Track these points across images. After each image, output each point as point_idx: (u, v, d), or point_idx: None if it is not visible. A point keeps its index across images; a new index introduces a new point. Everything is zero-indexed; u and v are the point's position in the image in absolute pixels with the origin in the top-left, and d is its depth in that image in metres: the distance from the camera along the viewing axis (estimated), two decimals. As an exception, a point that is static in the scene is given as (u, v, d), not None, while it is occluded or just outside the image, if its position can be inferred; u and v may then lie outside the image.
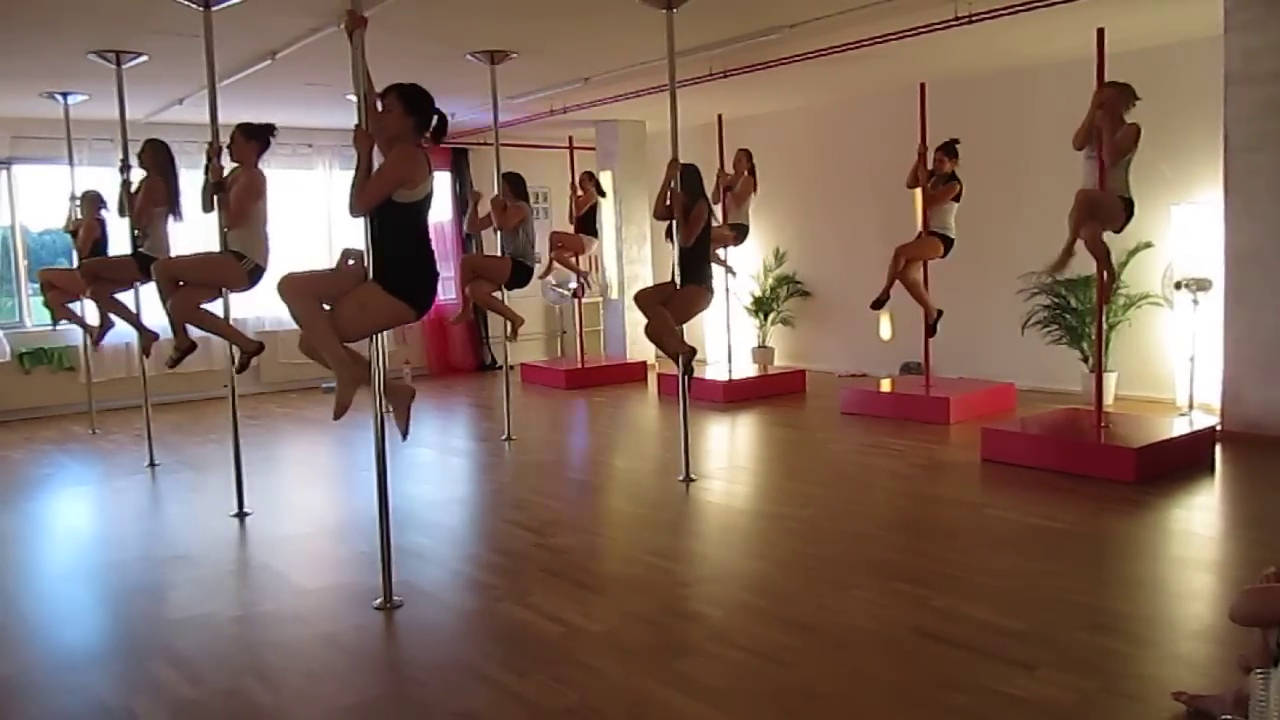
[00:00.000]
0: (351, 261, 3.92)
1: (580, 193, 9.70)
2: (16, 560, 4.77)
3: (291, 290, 3.80)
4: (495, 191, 7.28)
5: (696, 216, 5.70)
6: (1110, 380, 7.48)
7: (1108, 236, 5.72)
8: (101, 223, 6.95)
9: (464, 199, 11.18)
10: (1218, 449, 5.91)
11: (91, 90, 7.35)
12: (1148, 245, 7.36)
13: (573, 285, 10.17)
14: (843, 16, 6.06)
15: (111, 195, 6.77)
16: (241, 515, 5.24)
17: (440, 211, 10.85)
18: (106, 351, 8.78)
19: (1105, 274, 5.90)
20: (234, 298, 5.34)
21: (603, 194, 10.10)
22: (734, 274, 9.01)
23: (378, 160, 3.74)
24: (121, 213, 6.33)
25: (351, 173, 3.77)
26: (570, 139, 10.14)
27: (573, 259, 9.82)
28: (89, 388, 8.32)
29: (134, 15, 5.49)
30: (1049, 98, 7.93)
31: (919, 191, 7.34)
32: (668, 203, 5.68)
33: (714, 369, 9.37)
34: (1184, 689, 2.81)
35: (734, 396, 8.48)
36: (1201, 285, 6.71)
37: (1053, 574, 3.97)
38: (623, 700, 2.98)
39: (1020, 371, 8.19)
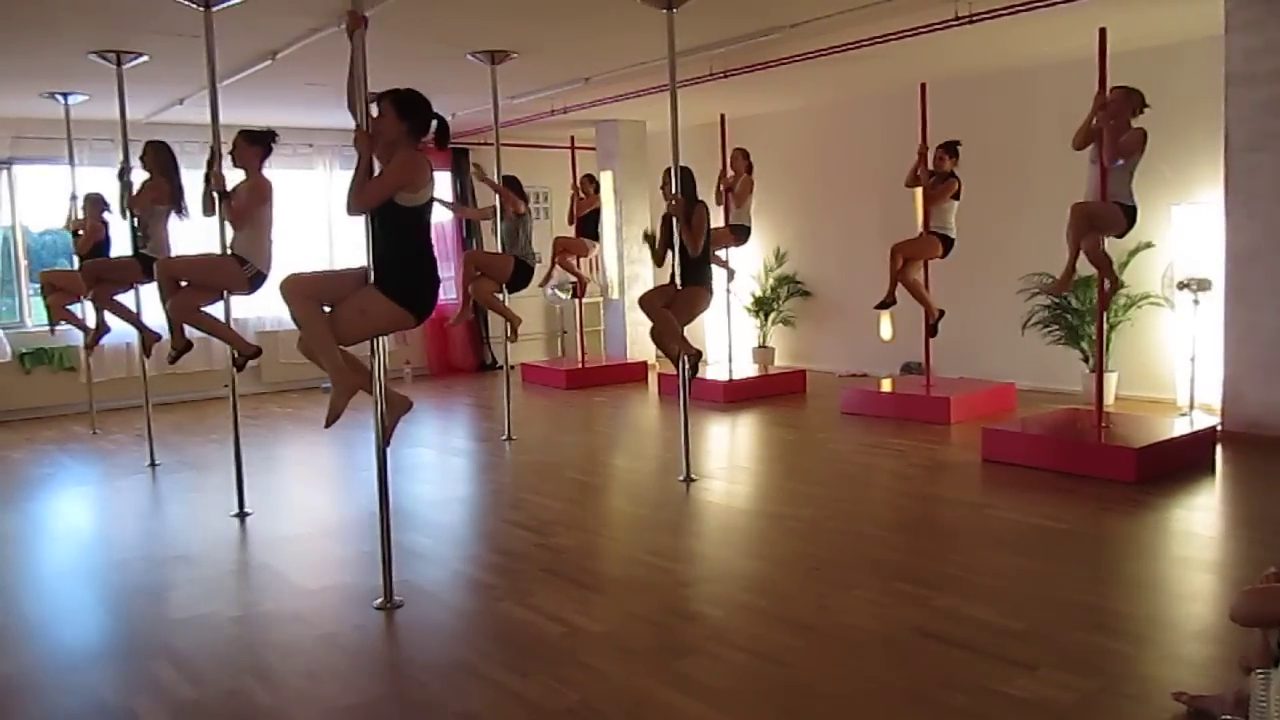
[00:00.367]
0: None
1: (582, 195, 9.70)
2: (17, 560, 4.77)
3: (293, 292, 3.79)
4: (493, 196, 7.34)
5: (699, 223, 5.72)
6: (1111, 380, 7.48)
7: (1109, 239, 5.72)
8: (104, 224, 6.97)
9: (465, 199, 11.19)
10: (1218, 449, 5.90)
11: (92, 90, 7.35)
12: (1148, 245, 7.36)
13: (572, 281, 10.17)
14: (843, 16, 6.06)
15: (113, 196, 6.78)
16: (242, 515, 5.24)
17: (441, 212, 10.84)
18: (107, 352, 8.79)
19: (1107, 282, 5.91)
20: (235, 297, 5.34)
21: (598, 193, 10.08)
22: (734, 275, 9.00)
23: (378, 165, 3.74)
24: (124, 214, 6.34)
25: (352, 172, 3.77)
26: (572, 139, 10.14)
27: (574, 262, 9.83)
28: (90, 388, 8.32)
29: (134, 15, 5.49)
30: (1050, 98, 7.93)
31: (919, 191, 7.35)
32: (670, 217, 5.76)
33: (714, 369, 9.37)
34: (1184, 689, 2.81)
35: (734, 396, 8.48)
36: (1202, 285, 6.71)
37: (1053, 574, 3.98)
38: (623, 700, 2.98)
39: (1021, 371, 8.19)
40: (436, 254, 3.96)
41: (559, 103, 8.99)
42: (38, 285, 8.49)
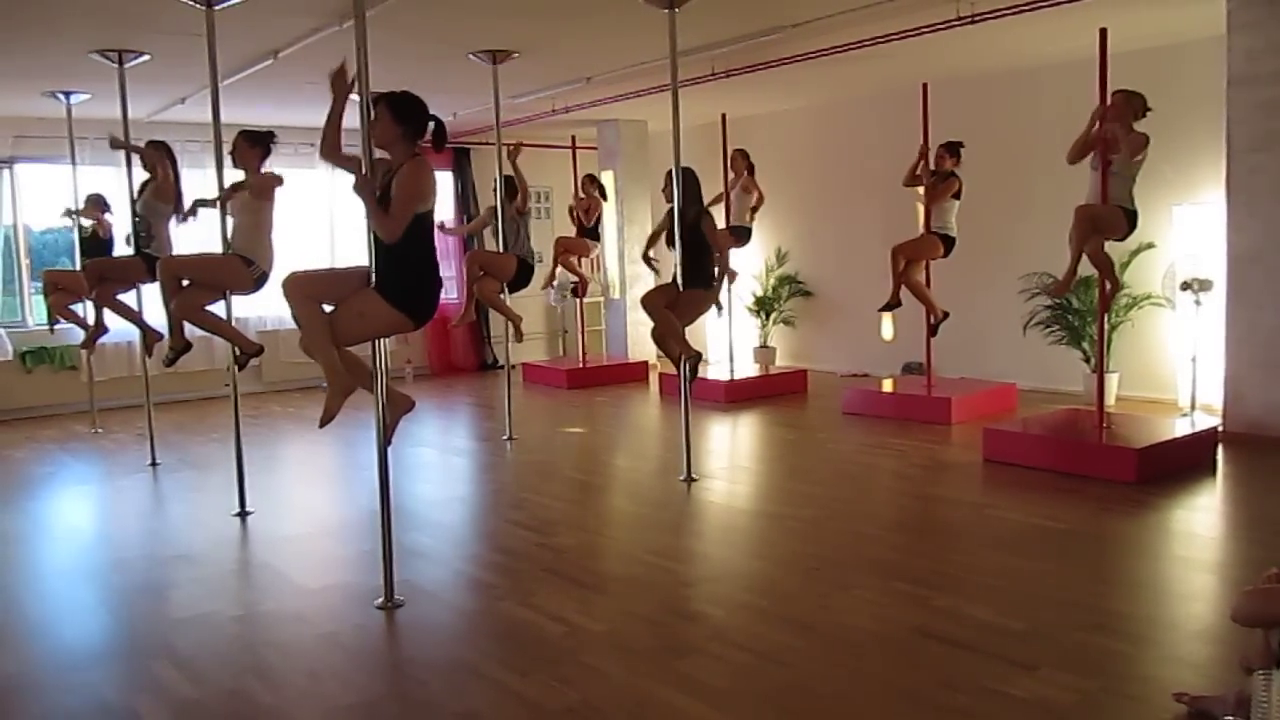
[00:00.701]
0: None
1: (583, 196, 9.67)
2: (18, 559, 4.78)
3: (294, 291, 3.78)
4: (494, 196, 7.34)
5: (710, 228, 5.81)
6: (1112, 381, 7.47)
7: (1110, 242, 5.72)
8: (107, 225, 6.98)
9: (466, 199, 11.20)
10: (1219, 449, 5.90)
11: (94, 89, 7.35)
12: (1150, 246, 7.36)
13: (573, 281, 10.16)
14: (844, 16, 6.06)
15: (113, 195, 6.78)
16: (243, 514, 5.24)
17: (442, 212, 10.84)
18: (108, 351, 8.80)
19: (1109, 284, 5.91)
20: (236, 296, 5.34)
21: (605, 198, 10.06)
22: (735, 276, 8.99)
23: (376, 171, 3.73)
24: (132, 213, 6.32)
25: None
26: (574, 139, 10.13)
27: (576, 262, 9.82)
28: (91, 387, 8.32)
29: (136, 15, 5.50)
30: (1052, 98, 7.93)
31: (921, 190, 7.34)
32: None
33: (716, 369, 9.37)
34: (1185, 690, 2.80)
35: (735, 396, 8.48)
36: (1203, 286, 6.71)
37: (1054, 574, 3.98)
38: (624, 700, 2.99)
39: (1022, 372, 8.19)
40: (438, 254, 3.96)
41: (560, 102, 8.99)
42: (39, 284, 8.49)
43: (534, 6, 5.78)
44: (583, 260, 9.89)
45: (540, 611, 3.72)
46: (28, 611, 4.00)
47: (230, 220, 5.10)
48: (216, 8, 5.01)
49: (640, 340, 10.42)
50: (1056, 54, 7.56)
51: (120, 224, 7.11)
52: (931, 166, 7.21)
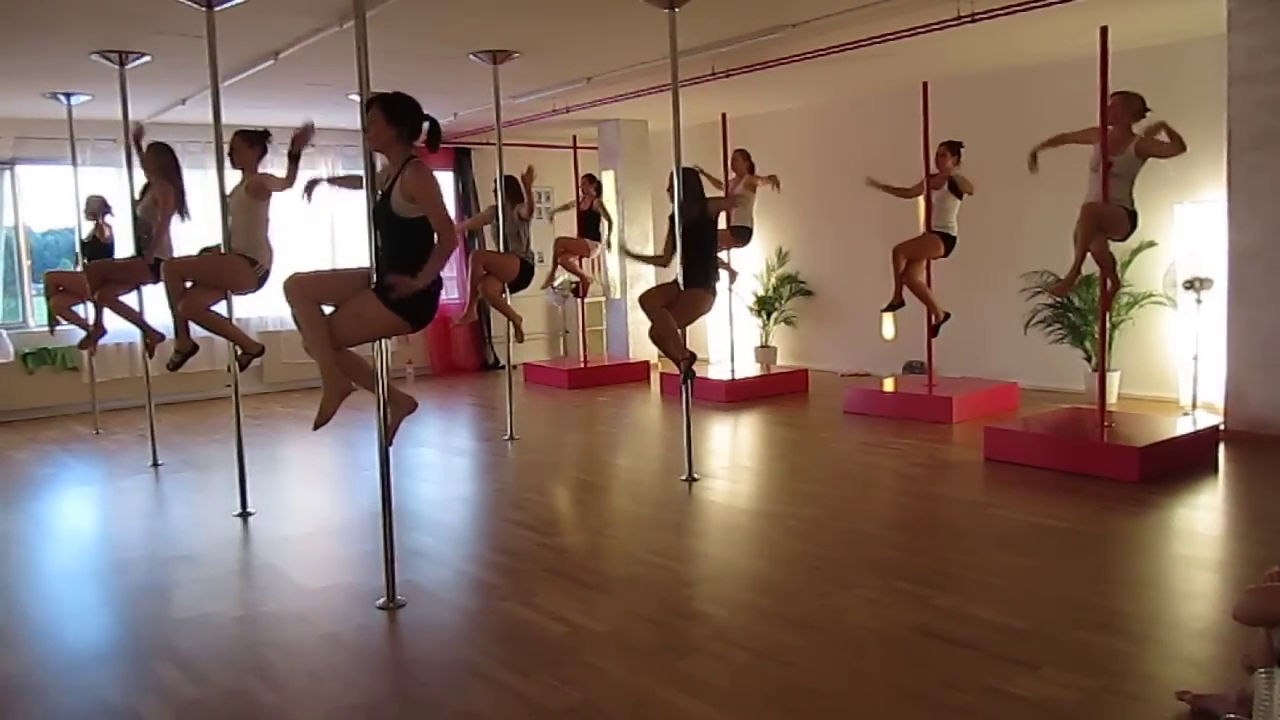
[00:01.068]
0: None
1: (582, 195, 9.69)
2: (20, 560, 4.78)
3: (295, 292, 3.79)
4: (494, 195, 7.35)
5: (716, 210, 5.96)
6: (1113, 379, 7.47)
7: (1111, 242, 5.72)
8: (108, 226, 6.98)
9: (467, 199, 11.19)
10: (1221, 448, 5.90)
11: (94, 90, 7.35)
12: (1151, 244, 7.35)
13: (574, 281, 10.16)
14: (844, 16, 6.06)
15: (114, 196, 6.79)
16: (245, 515, 5.24)
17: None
18: (109, 352, 8.80)
19: (1110, 282, 5.91)
20: (237, 297, 5.35)
21: (601, 194, 10.06)
22: (736, 276, 9.00)
23: (380, 160, 3.74)
24: (133, 219, 6.31)
25: (352, 171, 3.77)
26: (574, 138, 10.13)
27: (576, 262, 9.83)
28: (92, 388, 8.32)
29: (137, 16, 5.50)
30: (1052, 97, 7.91)
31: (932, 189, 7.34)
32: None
33: (717, 368, 9.37)
34: (1188, 688, 2.80)
35: (736, 396, 8.48)
36: (1205, 284, 6.71)
37: (1055, 573, 3.97)
38: (626, 700, 2.99)
39: (1023, 371, 8.18)
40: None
41: (560, 102, 8.99)
42: (40, 285, 8.50)
43: (534, 6, 5.78)
44: (583, 260, 9.89)
45: (542, 611, 3.72)
46: (30, 612, 4.00)
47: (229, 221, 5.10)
48: (217, 8, 5.01)
49: (641, 340, 10.40)
50: (1057, 53, 7.56)
51: (121, 225, 7.11)
52: (933, 169, 7.22)
